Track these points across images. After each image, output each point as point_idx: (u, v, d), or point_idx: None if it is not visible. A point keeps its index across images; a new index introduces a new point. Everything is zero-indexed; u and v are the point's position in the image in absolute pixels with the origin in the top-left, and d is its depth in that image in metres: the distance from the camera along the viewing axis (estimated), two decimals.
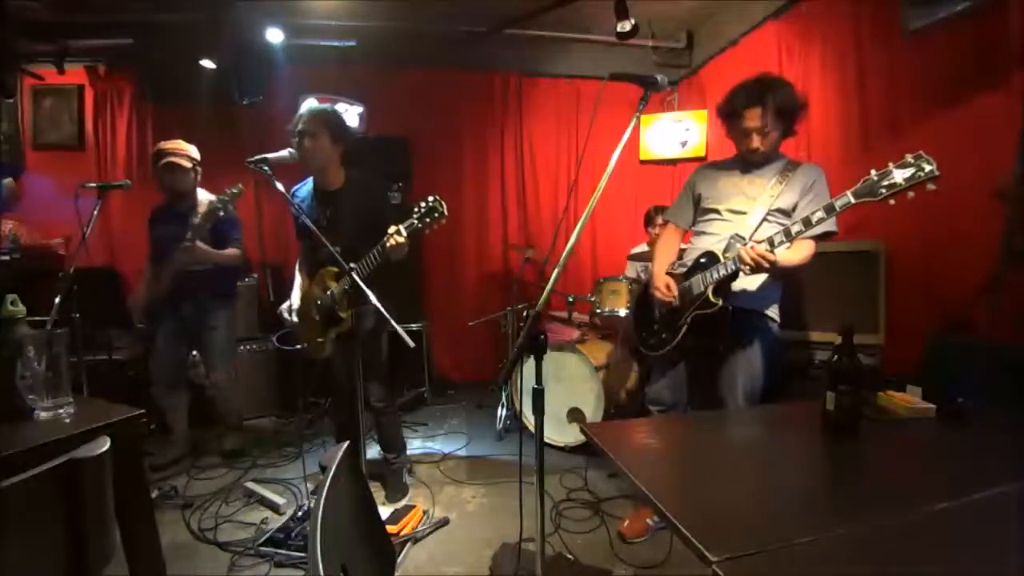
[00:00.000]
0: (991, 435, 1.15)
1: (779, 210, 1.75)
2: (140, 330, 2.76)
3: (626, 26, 3.04)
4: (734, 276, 1.68)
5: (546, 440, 1.98)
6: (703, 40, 3.74)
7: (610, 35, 3.15)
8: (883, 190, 1.32)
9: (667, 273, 1.92)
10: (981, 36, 2.01)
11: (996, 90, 1.97)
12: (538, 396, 1.28)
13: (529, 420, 2.81)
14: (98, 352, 2.95)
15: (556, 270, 1.27)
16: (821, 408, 1.12)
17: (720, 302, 1.70)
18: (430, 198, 1.80)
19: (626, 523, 2.02)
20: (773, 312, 1.83)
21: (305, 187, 2.26)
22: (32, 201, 3.44)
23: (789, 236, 1.54)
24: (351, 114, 3.84)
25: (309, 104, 2.24)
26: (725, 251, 1.71)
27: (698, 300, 1.75)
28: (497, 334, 3.81)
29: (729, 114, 1.79)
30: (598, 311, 3.11)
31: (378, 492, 2.36)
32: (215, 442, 2.85)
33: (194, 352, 2.85)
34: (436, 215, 1.81)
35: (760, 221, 1.75)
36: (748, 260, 1.55)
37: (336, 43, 3.48)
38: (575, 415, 2.81)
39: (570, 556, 1.89)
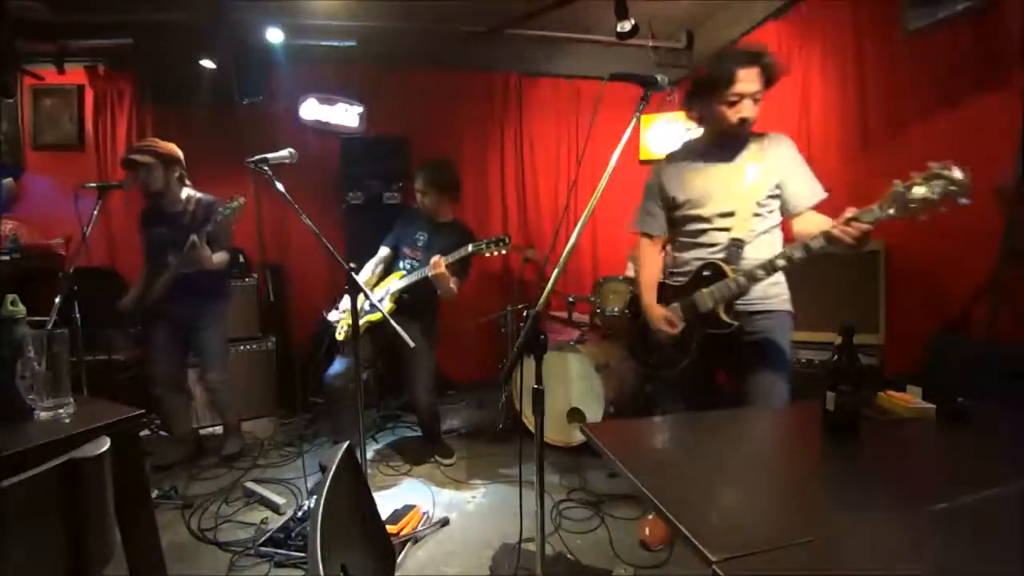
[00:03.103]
0: (991, 435, 1.15)
1: (769, 196, 1.66)
2: (134, 333, 2.74)
3: (626, 26, 3.03)
4: (744, 292, 1.59)
5: (546, 440, 1.97)
6: (703, 40, 3.73)
7: (610, 35, 3.15)
8: (913, 205, 1.22)
9: (661, 283, 1.81)
10: (981, 36, 2.02)
11: (996, 90, 1.97)
12: (538, 396, 1.28)
13: (529, 420, 2.81)
14: (98, 352, 2.95)
15: (556, 270, 1.27)
16: (821, 408, 1.12)
17: (735, 322, 1.60)
18: (505, 236, 2.33)
19: (647, 531, 1.94)
20: (784, 303, 1.72)
21: (418, 214, 2.73)
22: (32, 201, 3.44)
23: (809, 250, 1.44)
24: (351, 114, 3.84)
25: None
26: (726, 260, 1.62)
27: (708, 319, 1.63)
28: (497, 334, 3.80)
29: (716, 80, 1.59)
30: (598, 311, 3.11)
31: (396, 492, 2.36)
32: (216, 443, 2.85)
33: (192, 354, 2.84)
34: (501, 245, 2.31)
35: (752, 216, 1.64)
36: (851, 241, 1.34)
37: (336, 43, 3.48)
38: (575, 415, 2.81)
39: (570, 556, 1.89)
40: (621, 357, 3.04)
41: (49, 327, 2.03)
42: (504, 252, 2.31)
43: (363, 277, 2.62)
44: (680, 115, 4.05)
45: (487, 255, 2.35)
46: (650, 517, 1.99)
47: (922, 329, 2.12)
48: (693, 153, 1.79)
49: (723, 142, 1.71)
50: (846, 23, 2.60)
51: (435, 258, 2.34)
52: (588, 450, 2.73)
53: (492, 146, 4.22)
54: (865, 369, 1.11)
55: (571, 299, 3.25)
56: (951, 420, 1.16)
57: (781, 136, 1.71)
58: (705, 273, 1.66)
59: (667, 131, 4.10)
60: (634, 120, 1.39)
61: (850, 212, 1.34)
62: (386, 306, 2.46)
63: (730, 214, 1.67)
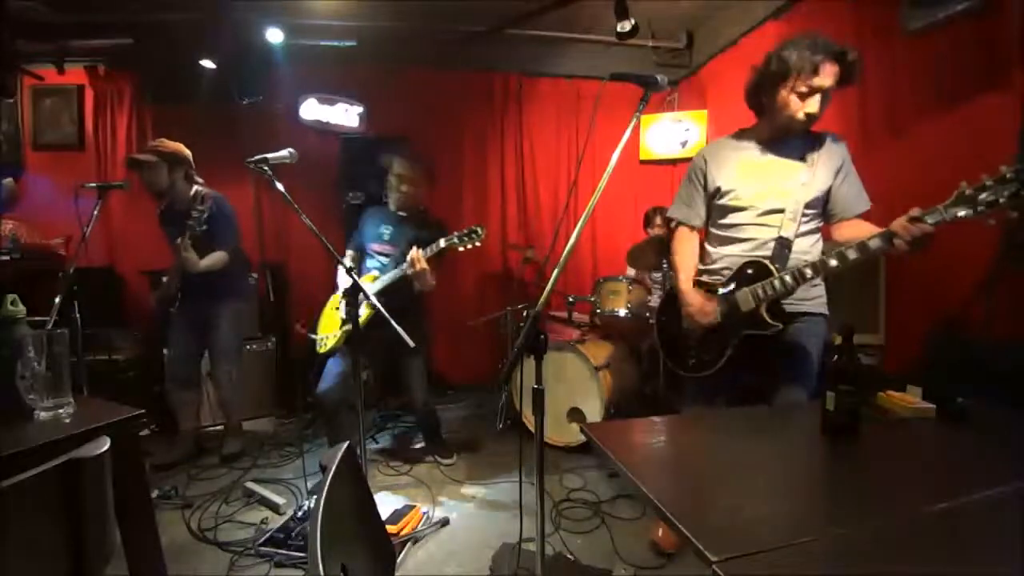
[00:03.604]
0: (991, 435, 1.14)
1: (818, 199, 1.59)
2: (153, 329, 2.75)
3: (626, 26, 3.04)
4: (791, 292, 1.53)
5: (546, 440, 1.97)
6: (703, 40, 3.74)
7: (610, 35, 3.15)
8: (981, 208, 1.19)
9: (698, 281, 1.73)
10: (981, 36, 2.01)
11: (996, 90, 1.97)
12: (538, 396, 1.28)
13: (529, 420, 2.82)
14: (98, 352, 2.96)
15: (556, 270, 1.27)
16: (821, 408, 1.12)
17: (778, 324, 1.53)
18: (477, 227, 2.24)
19: (660, 532, 1.89)
20: (821, 305, 1.66)
21: (380, 210, 2.64)
22: (32, 201, 3.45)
23: (865, 250, 1.38)
24: (351, 114, 3.84)
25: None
26: (770, 259, 1.56)
27: (749, 319, 1.57)
28: (497, 334, 3.81)
29: (796, 66, 1.48)
30: (598, 311, 3.11)
31: (396, 492, 2.36)
32: (216, 443, 2.85)
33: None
34: (474, 237, 2.22)
35: (799, 217, 1.57)
36: (909, 239, 1.30)
37: (336, 43, 3.48)
38: (575, 415, 2.81)
39: (570, 556, 1.89)
40: (621, 357, 3.04)
41: (49, 327, 2.03)
42: (478, 244, 2.23)
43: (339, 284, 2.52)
44: (680, 115, 4.06)
45: (461, 249, 2.25)
46: None
47: (922, 329, 2.12)
48: (746, 142, 1.70)
49: (781, 136, 1.63)
50: (846, 23, 2.60)
51: (414, 252, 2.23)
52: (588, 450, 2.73)
53: (492, 146, 4.22)
54: (865, 369, 1.11)
55: (571, 299, 3.25)
56: (951, 420, 1.17)
57: (838, 137, 1.64)
58: (748, 271, 1.58)
59: (667, 131, 4.10)
60: (634, 120, 1.38)
61: (915, 211, 1.30)
62: (364, 312, 2.27)
63: (779, 211, 1.60)
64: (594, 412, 2.74)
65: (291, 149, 1.97)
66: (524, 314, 3.29)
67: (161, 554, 1.42)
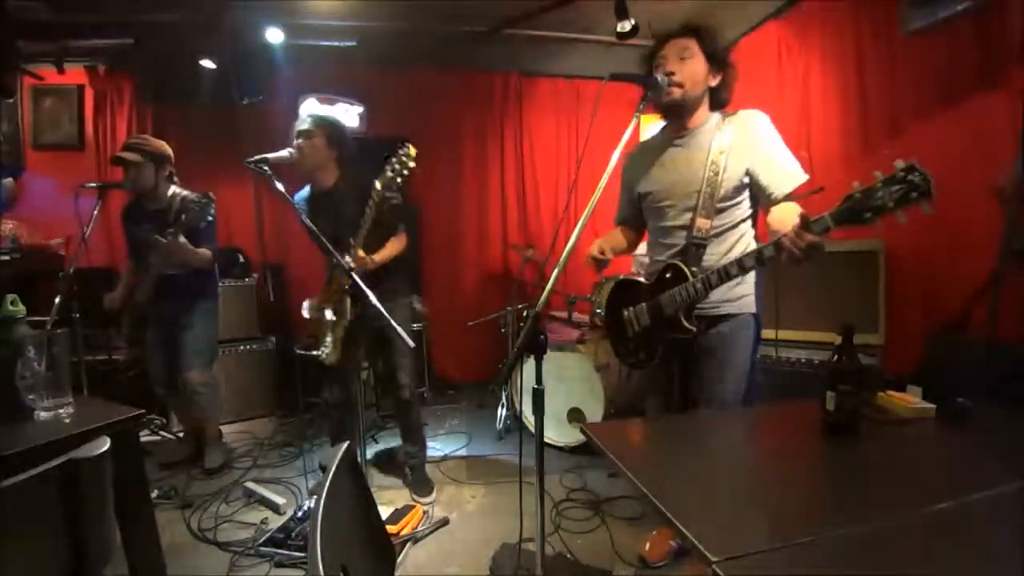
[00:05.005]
0: (991, 435, 1.14)
1: (735, 188, 1.51)
2: (125, 335, 2.67)
3: (626, 26, 3.03)
4: (702, 297, 1.49)
5: (546, 440, 1.97)
6: None
7: (610, 35, 3.15)
8: (868, 214, 1.09)
9: (636, 281, 1.69)
10: (981, 36, 2.02)
11: (996, 90, 1.97)
12: (538, 396, 1.28)
13: (529, 420, 2.81)
14: (98, 352, 2.96)
15: (556, 270, 1.27)
16: (821, 408, 1.12)
17: (694, 328, 1.51)
18: (401, 152, 1.83)
19: (647, 546, 1.85)
20: (747, 305, 1.59)
21: (303, 192, 2.31)
22: (32, 201, 3.45)
23: (761, 259, 1.33)
24: (351, 114, 3.84)
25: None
26: (685, 262, 1.52)
27: (671, 323, 1.54)
28: (497, 334, 3.81)
29: (649, 56, 1.58)
30: (598, 311, 3.11)
31: (396, 492, 2.36)
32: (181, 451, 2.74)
33: None
34: (407, 160, 1.84)
35: (715, 211, 1.50)
36: (799, 254, 1.22)
37: (336, 43, 3.48)
38: (575, 415, 2.81)
39: (570, 556, 1.89)
40: None
41: (49, 327, 2.03)
42: (413, 165, 1.86)
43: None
44: None
45: (405, 172, 1.87)
46: (654, 533, 1.91)
47: (922, 329, 2.12)
48: (658, 141, 1.68)
49: (680, 126, 1.59)
50: (846, 23, 2.60)
51: (355, 255, 1.97)
52: (588, 450, 2.73)
53: (492, 146, 4.22)
54: (865, 369, 1.10)
55: (571, 299, 3.25)
56: (951, 420, 1.16)
57: (751, 113, 1.54)
58: (667, 275, 1.55)
59: None
60: (634, 120, 1.39)
61: (799, 222, 1.22)
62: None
63: (690, 209, 1.54)
64: (594, 412, 2.74)
65: (291, 149, 1.96)
66: (524, 314, 3.29)
67: (161, 554, 1.42)
